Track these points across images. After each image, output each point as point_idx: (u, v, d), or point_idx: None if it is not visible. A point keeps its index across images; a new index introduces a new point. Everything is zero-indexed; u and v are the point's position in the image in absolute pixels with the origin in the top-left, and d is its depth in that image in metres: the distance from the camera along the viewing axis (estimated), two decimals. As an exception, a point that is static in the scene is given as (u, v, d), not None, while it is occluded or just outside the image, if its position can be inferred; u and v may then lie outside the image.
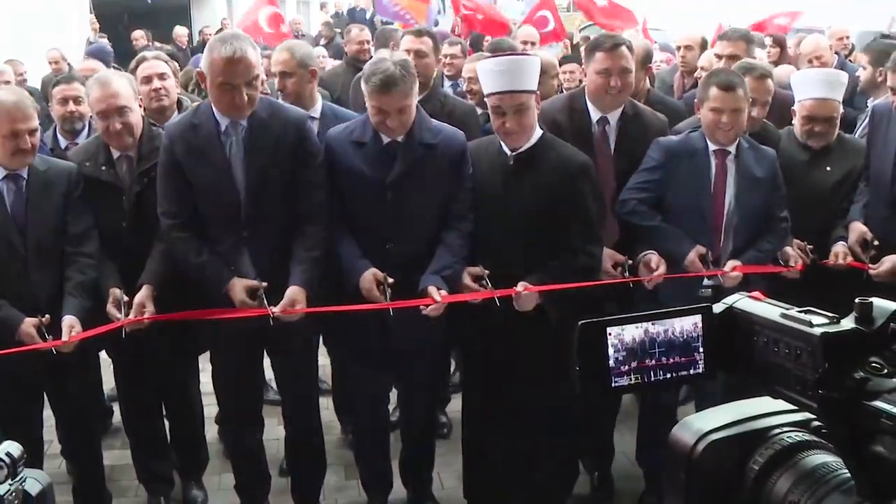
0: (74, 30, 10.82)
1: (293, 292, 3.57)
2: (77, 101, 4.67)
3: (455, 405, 4.66)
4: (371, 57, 7.03)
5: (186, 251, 3.67)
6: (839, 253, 4.01)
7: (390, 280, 3.59)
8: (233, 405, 4.09)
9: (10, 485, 1.30)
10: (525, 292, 3.56)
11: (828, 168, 4.20)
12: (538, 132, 3.71)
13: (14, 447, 1.30)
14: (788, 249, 3.94)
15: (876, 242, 3.96)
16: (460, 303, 3.62)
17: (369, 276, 3.61)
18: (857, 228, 4.05)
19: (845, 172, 4.21)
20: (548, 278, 3.60)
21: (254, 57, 3.52)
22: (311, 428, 4.12)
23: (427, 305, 3.54)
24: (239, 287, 3.59)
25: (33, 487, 1.38)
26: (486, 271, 3.63)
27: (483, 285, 3.63)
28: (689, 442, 1.13)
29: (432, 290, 3.54)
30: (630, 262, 3.84)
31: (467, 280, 3.65)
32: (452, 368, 5.26)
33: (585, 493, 4.31)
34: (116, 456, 4.62)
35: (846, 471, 1.01)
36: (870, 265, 3.92)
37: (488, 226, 3.71)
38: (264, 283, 3.58)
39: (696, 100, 3.96)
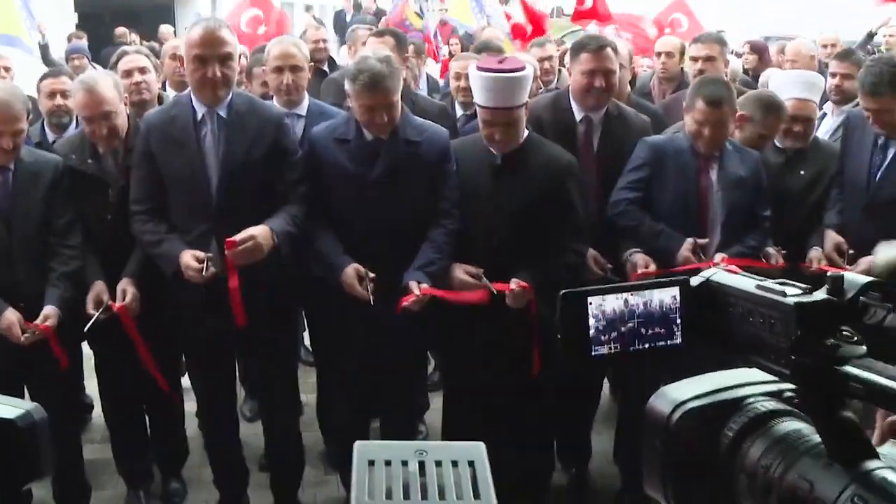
0: (56, 27, 10.80)
1: (256, 229, 3.53)
2: (64, 94, 4.61)
3: (433, 414, 4.71)
4: (328, 55, 7.08)
5: (143, 232, 3.67)
6: (814, 258, 4.07)
7: (371, 275, 3.60)
8: (209, 401, 4.10)
9: None
10: (518, 289, 3.58)
11: (801, 172, 4.26)
12: (524, 132, 3.74)
13: None
14: (769, 249, 3.99)
15: (851, 252, 4.01)
16: (440, 301, 3.62)
17: (351, 270, 3.62)
18: (832, 238, 4.10)
19: (816, 173, 4.27)
20: (539, 275, 3.62)
21: (229, 37, 3.58)
22: (291, 424, 4.14)
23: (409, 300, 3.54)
24: (188, 255, 3.55)
25: (24, 418, 1.11)
26: (482, 269, 3.63)
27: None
28: (666, 411, 1.15)
29: (413, 284, 3.54)
30: (611, 266, 3.87)
31: (461, 274, 3.66)
32: (431, 368, 5.28)
33: (562, 490, 4.35)
34: (97, 449, 4.61)
35: (817, 437, 1.04)
36: (847, 267, 3.97)
37: (475, 224, 3.73)
38: (210, 254, 3.55)
39: (685, 104, 3.97)
